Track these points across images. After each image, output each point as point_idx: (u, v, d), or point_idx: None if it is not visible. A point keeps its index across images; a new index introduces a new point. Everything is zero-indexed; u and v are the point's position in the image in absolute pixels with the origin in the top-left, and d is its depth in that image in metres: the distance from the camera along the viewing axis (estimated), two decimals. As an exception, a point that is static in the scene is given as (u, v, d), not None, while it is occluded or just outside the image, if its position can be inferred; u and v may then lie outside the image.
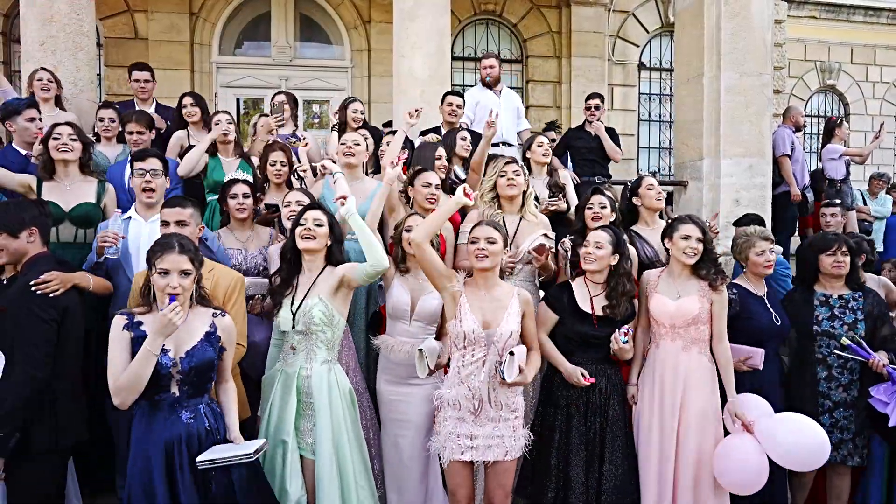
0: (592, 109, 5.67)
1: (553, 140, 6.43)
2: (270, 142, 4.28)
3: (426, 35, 5.33)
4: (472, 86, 8.73)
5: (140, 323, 2.38)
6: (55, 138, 3.45)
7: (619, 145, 5.72)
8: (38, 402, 2.58)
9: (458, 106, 4.94)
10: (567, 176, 4.59)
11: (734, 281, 3.57)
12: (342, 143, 3.77)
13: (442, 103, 4.99)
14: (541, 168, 4.42)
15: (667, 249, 3.30)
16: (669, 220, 3.46)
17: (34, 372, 2.55)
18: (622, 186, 4.67)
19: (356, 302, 3.42)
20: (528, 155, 4.43)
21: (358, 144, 3.76)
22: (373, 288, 3.58)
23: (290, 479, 2.74)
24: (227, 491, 2.41)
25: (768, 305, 3.47)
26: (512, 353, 2.70)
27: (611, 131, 5.74)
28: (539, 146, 4.38)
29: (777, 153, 6.12)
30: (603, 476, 3.05)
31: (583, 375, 3.03)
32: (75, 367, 2.70)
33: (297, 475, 2.77)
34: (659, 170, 9.39)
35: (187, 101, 4.60)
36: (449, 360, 2.90)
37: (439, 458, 2.88)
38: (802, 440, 3.02)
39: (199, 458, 2.33)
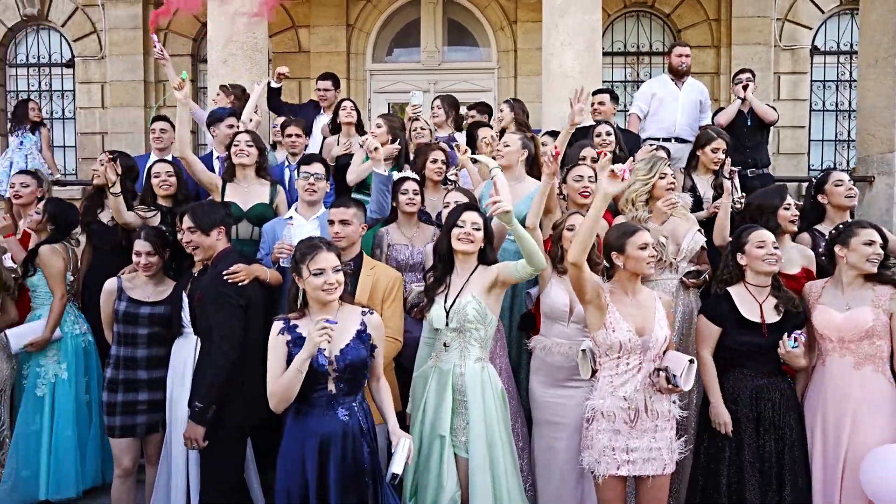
0: (744, 81, 5.05)
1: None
2: (433, 141, 4.43)
3: (576, 31, 5.22)
4: (621, 82, 8.50)
5: (296, 326, 2.46)
6: (235, 145, 3.80)
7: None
8: (231, 380, 2.86)
9: (599, 103, 4.87)
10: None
11: None
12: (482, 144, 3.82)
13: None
14: (706, 169, 4.14)
15: (832, 256, 2.97)
16: (839, 226, 3.09)
17: (231, 352, 2.83)
18: (806, 183, 4.25)
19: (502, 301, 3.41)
20: (698, 153, 4.15)
21: (508, 146, 3.75)
22: (518, 288, 3.55)
23: (447, 475, 2.77)
24: (377, 491, 2.47)
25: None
26: (692, 361, 2.57)
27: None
28: (714, 151, 4.05)
29: None
30: (784, 502, 2.79)
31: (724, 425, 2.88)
32: (259, 352, 2.95)
33: (453, 472, 2.79)
34: (835, 165, 8.43)
35: (347, 104, 4.87)
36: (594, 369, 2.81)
37: (591, 472, 2.76)
38: None
39: (393, 472, 2.39)
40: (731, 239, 3.18)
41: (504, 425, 2.89)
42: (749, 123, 5.02)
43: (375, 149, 3.34)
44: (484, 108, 5.68)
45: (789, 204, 3.38)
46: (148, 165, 4.08)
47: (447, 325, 2.86)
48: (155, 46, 4.74)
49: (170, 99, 5.27)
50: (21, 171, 4.53)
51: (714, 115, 5.37)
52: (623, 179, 2.45)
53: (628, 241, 2.69)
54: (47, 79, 8.66)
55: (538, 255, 2.74)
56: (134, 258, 3.26)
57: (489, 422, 2.81)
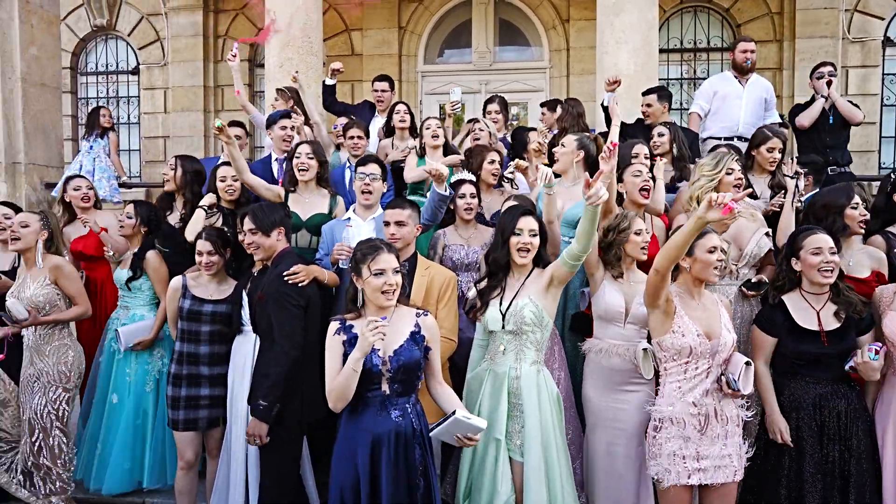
0: (827, 76, 4.75)
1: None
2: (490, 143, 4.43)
3: (632, 29, 5.13)
4: (677, 80, 8.29)
5: (352, 326, 2.49)
6: (296, 157, 3.87)
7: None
8: (292, 379, 2.92)
9: (647, 105, 4.75)
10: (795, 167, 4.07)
11: None
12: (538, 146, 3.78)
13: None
14: (764, 168, 3.96)
15: None
16: None
17: (292, 351, 2.90)
18: (877, 183, 4.03)
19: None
20: (753, 152, 3.98)
21: (563, 147, 3.69)
22: (571, 289, 3.50)
23: (502, 479, 2.75)
24: (429, 493, 2.48)
25: None
26: (748, 363, 2.51)
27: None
28: (769, 151, 3.80)
29: None
30: None
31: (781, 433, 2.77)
32: (316, 352, 3.00)
33: (508, 476, 2.77)
34: (908, 163, 8.01)
35: (401, 108, 4.92)
36: (657, 373, 2.74)
37: (654, 480, 2.69)
38: None
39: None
40: (786, 243, 3.02)
41: (559, 430, 2.85)
42: (831, 121, 4.79)
43: (439, 174, 3.30)
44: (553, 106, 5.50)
45: (857, 203, 3.21)
46: (213, 168, 4.19)
47: (503, 327, 2.85)
48: (233, 52, 4.84)
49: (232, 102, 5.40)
50: (76, 176, 4.69)
51: (791, 113, 5.12)
52: (725, 213, 2.23)
53: (697, 244, 2.61)
54: (115, 86, 9.08)
55: (593, 236, 2.70)
56: (196, 258, 3.37)
57: (545, 426, 2.78)
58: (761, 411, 2.99)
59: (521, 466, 2.78)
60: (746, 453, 2.68)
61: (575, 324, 3.43)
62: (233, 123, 4.93)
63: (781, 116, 6.21)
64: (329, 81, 5.43)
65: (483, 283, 3.01)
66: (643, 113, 4.73)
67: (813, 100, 4.95)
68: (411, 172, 4.32)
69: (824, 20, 7.69)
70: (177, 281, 3.42)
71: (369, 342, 2.29)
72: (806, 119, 4.73)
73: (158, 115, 8.86)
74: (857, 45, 7.89)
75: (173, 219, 4.15)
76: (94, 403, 3.89)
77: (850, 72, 7.89)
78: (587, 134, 4.08)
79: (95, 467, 3.74)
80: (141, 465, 3.70)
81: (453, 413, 2.39)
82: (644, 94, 4.78)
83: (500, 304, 2.87)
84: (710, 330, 2.62)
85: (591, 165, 3.63)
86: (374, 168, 3.54)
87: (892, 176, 3.58)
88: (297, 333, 2.93)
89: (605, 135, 4.39)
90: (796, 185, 3.46)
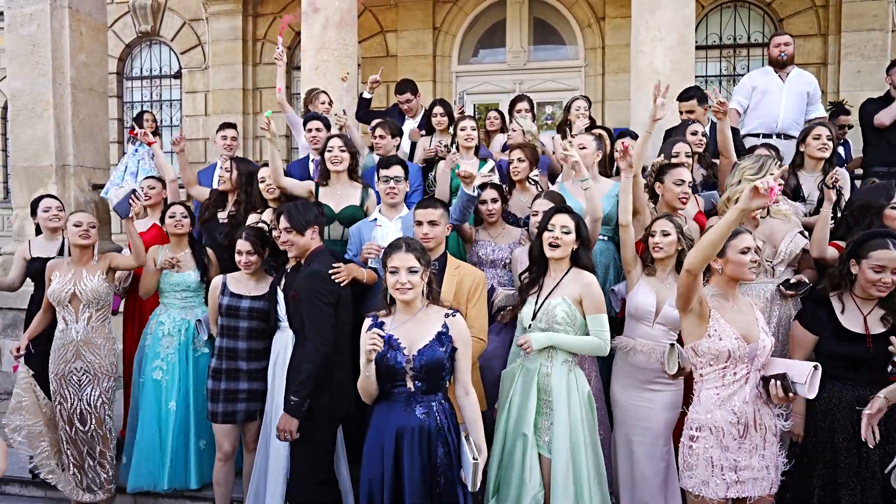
0: None
1: (844, 127, 5.50)
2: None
3: (668, 26, 5.03)
4: (716, 76, 8.13)
5: (382, 323, 2.56)
6: (328, 150, 3.95)
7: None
8: (323, 374, 2.99)
9: (688, 111, 4.62)
10: (845, 175, 3.94)
11: None
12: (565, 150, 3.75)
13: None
14: (816, 163, 3.86)
15: None
16: None
17: (322, 347, 2.96)
18: None
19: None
20: (801, 148, 3.90)
21: (584, 148, 3.69)
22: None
23: (530, 472, 2.78)
24: (450, 490, 2.50)
25: None
26: (817, 367, 2.41)
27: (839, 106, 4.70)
28: (816, 139, 3.78)
29: None
30: None
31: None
32: (347, 348, 3.07)
33: (537, 471, 2.80)
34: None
35: (438, 109, 4.94)
36: (690, 374, 2.70)
37: (685, 492, 2.61)
38: None
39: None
40: (852, 239, 2.89)
41: (589, 430, 2.86)
42: None
43: (469, 176, 3.34)
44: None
45: None
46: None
47: (531, 325, 2.88)
48: (279, 48, 4.99)
49: (274, 105, 5.51)
50: (148, 176, 4.98)
51: (863, 109, 4.88)
52: (771, 198, 2.20)
53: (729, 245, 2.57)
54: (158, 89, 9.37)
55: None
56: (236, 257, 3.47)
57: (573, 424, 2.79)
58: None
59: (549, 462, 2.80)
60: (784, 465, 2.60)
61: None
62: (226, 125, 5.04)
63: (834, 108, 6.00)
64: (367, 95, 5.49)
65: (525, 277, 3.06)
66: (683, 120, 4.63)
67: (888, 95, 4.73)
68: (439, 189, 4.26)
69: (872, 12, 7.43)
70: (217, 279, 3.53)
71: (366, 351, 2.42)
72: (887, 117, 4.51)
73: (199, 117, 9.11)
74: (907, 37, 7.62)
75: (221, 217, 4.27)
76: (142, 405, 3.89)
77: (899, 66, 7.62)
78: (600, 132, 4.11)
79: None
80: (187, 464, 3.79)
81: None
82: (681, 99, 4.66)
83: (536, 301, 2.91)
84: (747, 333, 2.55)
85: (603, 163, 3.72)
86: (396, 170, 3.56)
87: None
88: (328, 330, 2.98)
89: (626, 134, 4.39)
90: (838, 194, 3.35)
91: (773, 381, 2.48)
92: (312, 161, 4.57)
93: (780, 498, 2.80)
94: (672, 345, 2.69)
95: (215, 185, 4.54)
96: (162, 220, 4.03)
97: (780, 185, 3.14)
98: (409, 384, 2.50)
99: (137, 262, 3.78)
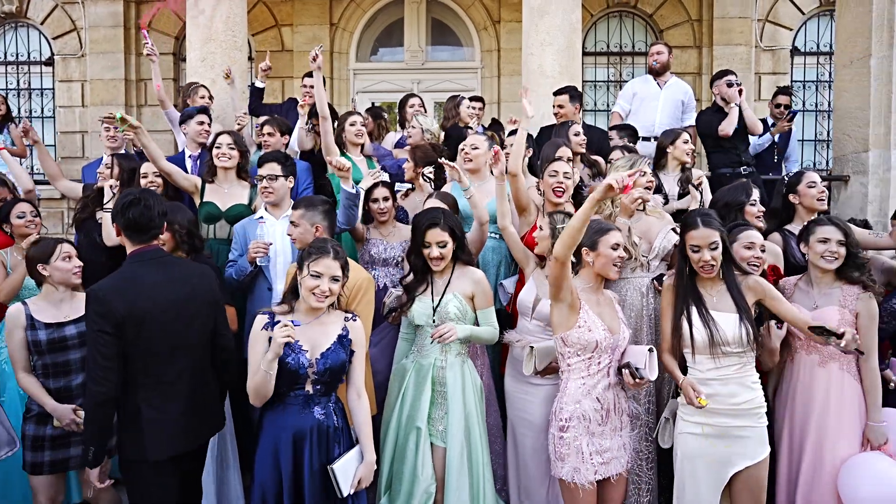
0: (736, 85, 4.88)
1: (780, 106, 5.79)
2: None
3: (556, 31, 5.24)
4: (604, 82, 8.55)
5: (279, 322, 2.40)
6: (217, 147, 3.78)
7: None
8: (105, 417, 2.45)
9: (559, 105, 4.78)
10: (702, 175, 4.31)
11: None
12: (461, 150, 3.81)
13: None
14: (676, 164, 4.19)
15: (803, 254, 3.02)
16: (807, 223, 3.12)
17: (94, 386, 2.38)
18: (778, 181, 4.28)
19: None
20: (668, 150, 4.18)
21: (476, 148, 3.76)
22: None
23: (422, 466, 2.82)
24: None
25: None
26: (651, 350, 2.60)
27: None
28: (685, 143, 4.12)
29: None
30: None
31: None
32: (169, 375, 2.53)
33: (429, 463, 2.85)
34: (814, 164, 8.53)
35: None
36: (557, 369, 2.81)
37: (571, 483, 2.64)
38: None
39: (333, 466, 2.39)
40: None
41: (480, 420, 2.96)
42: (737, 126, 4.93)
43: (347, 169, 3.26)
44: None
45: (755, 200, 3.40)
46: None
47: (434, 322, 2.93)
48: (146, 42, 4.68)
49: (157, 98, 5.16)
50: None
51: (699, 119, 5.24)
52: (626, 192, 2.33)
53: (601, 240, 2.70)
54: (26, 76, 8.57)
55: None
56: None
57: (468, 413, 2.89)
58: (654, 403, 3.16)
59: (443, 451, 2.86)
60: (635, 446, 2.80)
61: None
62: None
63: (785, 89, 6.39)
64: (259, 84, 5.30)
65: (409, 279, 3.09)
66: (555, 114, 4.80)
67: (716, 105, 5.08)
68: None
69: (738, 29, 8.10)
70: (15, 311, 2.91)
71: (280, 343, 2.30)
72: (730, 126, 4.84)
73: (76, 108, 8.41)
74: (769, 53, 8.36)
75: (99, 217, 3.96)
76: None
77: (762, 78, 8.35)
78: (491, 133, 4.24)
79: None
80: None
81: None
82: (555, 94, 4.82)
83: (432, 299, 2.96)
84: (611, 325, 2.69)
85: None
86: (272, 168, 3.44)
87: (786, 178, 3.81)
88: (97, 365, 2.37)
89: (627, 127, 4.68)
90: (700, 192, 3.62)
91: (623, 369, 2.64)
92: (190, 157, 4.36)
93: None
94: (532, 347, 2.79)
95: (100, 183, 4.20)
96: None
97: (649, 182, 3.39)
98: (308, 387, 2.45)
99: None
